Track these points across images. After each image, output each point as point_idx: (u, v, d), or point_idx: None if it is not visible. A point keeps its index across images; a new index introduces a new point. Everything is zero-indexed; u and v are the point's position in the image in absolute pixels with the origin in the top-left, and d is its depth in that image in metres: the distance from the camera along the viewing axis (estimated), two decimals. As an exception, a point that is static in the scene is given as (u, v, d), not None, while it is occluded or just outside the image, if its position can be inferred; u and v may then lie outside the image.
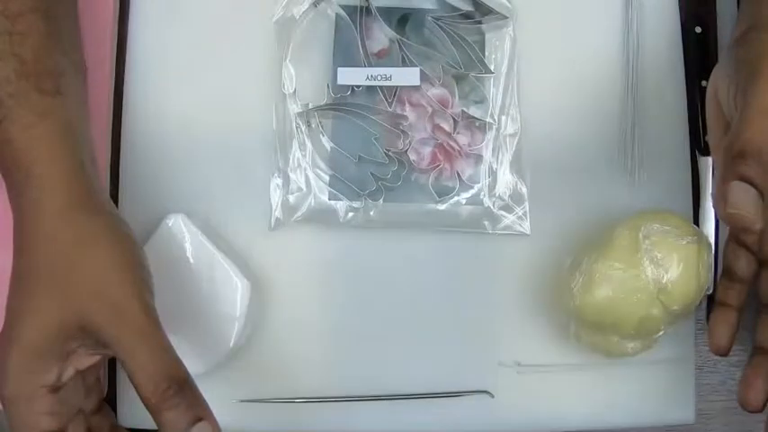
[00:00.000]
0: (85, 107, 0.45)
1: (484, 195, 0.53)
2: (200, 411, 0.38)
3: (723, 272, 0.47)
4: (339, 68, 0.53)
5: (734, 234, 0.47)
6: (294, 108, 0.53)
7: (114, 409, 0.51)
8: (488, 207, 0.53)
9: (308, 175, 0.52)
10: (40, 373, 0.39)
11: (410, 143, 0.53)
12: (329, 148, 0.53)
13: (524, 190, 0.53)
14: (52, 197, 0.40)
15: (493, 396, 0.51)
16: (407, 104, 0.53)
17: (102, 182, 0.46)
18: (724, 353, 0.45)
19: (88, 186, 0.41)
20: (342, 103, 0.53)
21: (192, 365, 0.47)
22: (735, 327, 0.45)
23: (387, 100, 0.53)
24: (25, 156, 0.40)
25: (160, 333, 0.39)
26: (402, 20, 0.54)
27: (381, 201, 0.52)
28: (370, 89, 0.53)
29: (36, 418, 0.39)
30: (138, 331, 0.39)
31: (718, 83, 0.44)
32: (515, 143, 0.53)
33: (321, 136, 0.53)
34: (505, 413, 0.51)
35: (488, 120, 0.53)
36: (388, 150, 0.52)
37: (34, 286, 0.39)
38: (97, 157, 0.45)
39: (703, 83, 0.53)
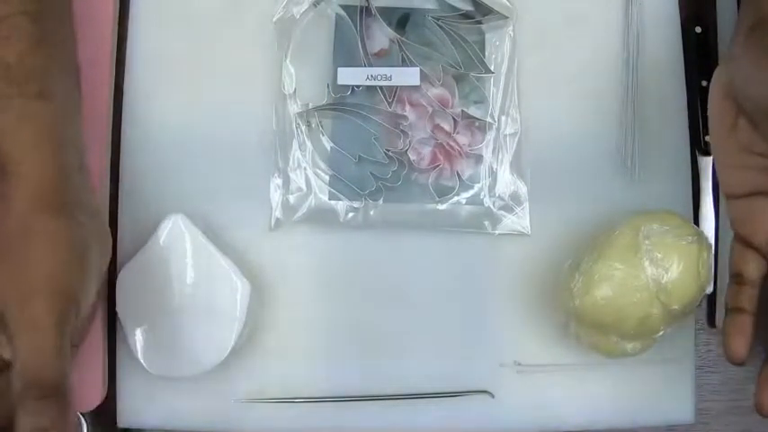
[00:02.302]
0: (76, 109, 0.45)
1: (484, 195, 0.53)
2: (52, 426, 0.37)
3: (732, 276, 0.46)
4: (339, 68, 0.53)
5: (740, 236, 0.46)
6: (294, 108, 0.53)
7: (114, 409, 0.51)
8: (488, 207, 0.53)
9: (308, 175, 0.52)
10: None
11: (410, 143, 0.53)
12: (329, 148, 0.53)
13: (524, 190, 0.53)
14: (20, 194, 0.40)
15: (493, 396, 0.51)
16: (407, 104, 0.53)
17: (93, 182, 0.46)
18: (741, 361, 0.44)
19: (61, 188, 0.41)
20: (342, 103, 0.53)
21: (192, 365, 0.48)
22: (750, 333, 0.44)
23: (387, 100, 0.53)
24: (4, 156, 0.41)
25: (55, 339, 0.38)
26: (402, 20, 0.54)
27: (381, 201, 0.52)
28: (370, 89, 0.53)
29: None
30: (33, 327, 0.38)
31: (736, 77, 0.43)
32: (515, 143, 0.53)
33: (321, 136, 0.53)
34: (505, 413, 0.51)
35: (488, 120, 0.53)
36: (388, 150, 0.52)
37: None
38: (94, 158, 0.45)
39: (703, 83, 0.53)
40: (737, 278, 0.45)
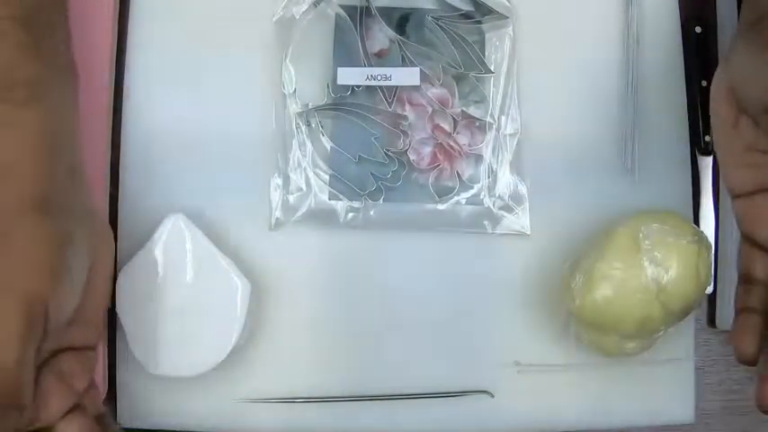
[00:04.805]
0: (70, 112, 0.44)
1: (484, 195, 0.53)
2: None
3: (740, 276, 0.45)
4: (339, 68, 0.53)
5: (745, 235, 0.46)
6: (294, 108, 0.53)
7: (115, 409, 0.51)
8: (488, 207, 0.53)
9: (308, 175, 0.52)
10: None
11: (410, 143, 0.53)
12: (329, 148, 0.53)
13: (524, 190, 0.53)
14: (4, 197, 0.39)
15: (493, 396, 0.51)
16: (407, 104, 0.53)
17: (94, 182, 0.45)
18: (752, 361, 0.43)
19: (46, 192, 0.40)
20: (342, 103, 0.53)
21: (192, 365, 0.48)
22: (759, 332, 0.43)
23: (387, 100, 0.53)
24: None
25: (17, 348, 0.38)
26: (402, 20, 0.54)
27: (381, 201, 0.52)
28: (370, 89, 0.53)
29: None
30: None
31: (736, 74, 0.43)
32: (515, 143, 0.53)
33: (321, 136, 0.53)
34: (505, 413, 0.51)
35: (488, 120, 0.53)
36: (388, 150, 0.52)
37: None
38: (94, 158, 0.44)
39: (703, 83, 0.53)
40: (745, 278, 0.45)
